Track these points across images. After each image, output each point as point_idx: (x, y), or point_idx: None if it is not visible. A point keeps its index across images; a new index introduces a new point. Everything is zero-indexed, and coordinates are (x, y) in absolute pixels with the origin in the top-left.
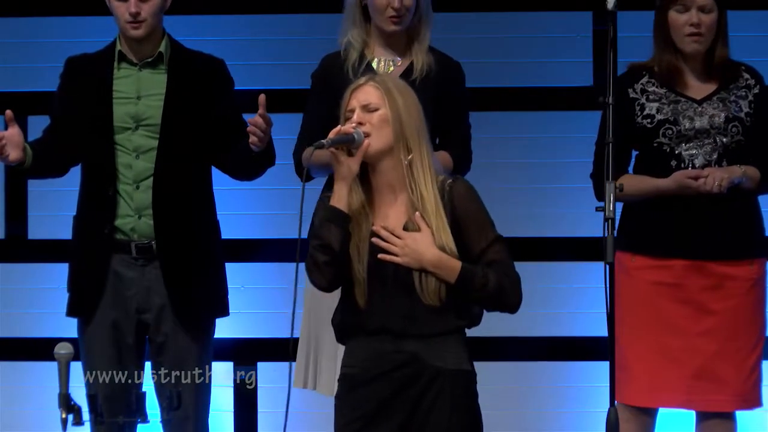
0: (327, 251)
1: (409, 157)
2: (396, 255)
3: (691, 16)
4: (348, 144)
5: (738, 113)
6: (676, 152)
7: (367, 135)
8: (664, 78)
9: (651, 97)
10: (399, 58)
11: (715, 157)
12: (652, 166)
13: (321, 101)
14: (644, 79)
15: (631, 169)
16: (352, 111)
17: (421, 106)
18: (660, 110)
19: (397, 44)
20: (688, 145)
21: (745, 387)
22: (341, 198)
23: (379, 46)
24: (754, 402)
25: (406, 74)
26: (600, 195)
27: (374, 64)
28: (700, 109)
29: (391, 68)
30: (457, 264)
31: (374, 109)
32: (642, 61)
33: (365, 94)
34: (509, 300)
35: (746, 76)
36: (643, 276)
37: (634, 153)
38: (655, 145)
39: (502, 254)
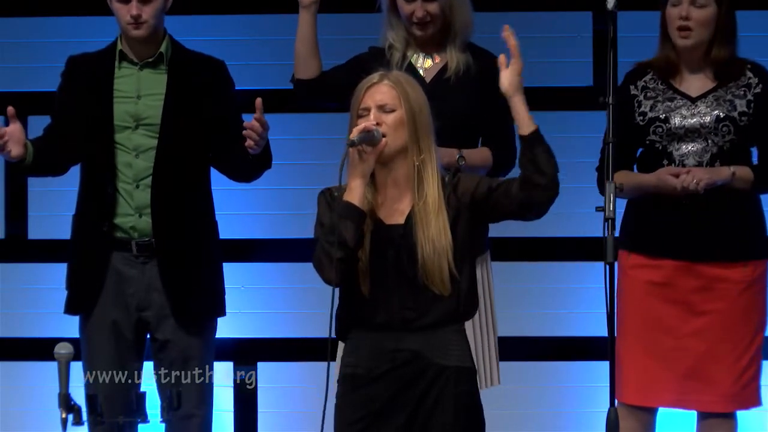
0: (343, 248)
1: (421, 157)
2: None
3: (681, 10)
4: (369, 143)
5: (731, 112)
6: (668, 151)
7: (383, 135)
8: (661, 73)
9: (649, 94)
10: (437, 55)
11: (707, 157)
12: (648, 164)
13: (351, 71)
14: (647, 77)
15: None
16: (367, 109)
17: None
18: (653, 107)
19: (431, 43)
20: (679, 144)
21: (736, 387)
22: (358, 195)
23: (416, 45)
24: (750, 402)
25: (442, 72)
26: (602, 189)
27: (413, 60)
28: (693, 107)
29: (429, 63)
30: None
31: (390, 110)
32: (649, 59)
33: (381, 94)
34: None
35: (749, 74)
36: (637, 274)
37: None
38: (647, 142)
39: None
